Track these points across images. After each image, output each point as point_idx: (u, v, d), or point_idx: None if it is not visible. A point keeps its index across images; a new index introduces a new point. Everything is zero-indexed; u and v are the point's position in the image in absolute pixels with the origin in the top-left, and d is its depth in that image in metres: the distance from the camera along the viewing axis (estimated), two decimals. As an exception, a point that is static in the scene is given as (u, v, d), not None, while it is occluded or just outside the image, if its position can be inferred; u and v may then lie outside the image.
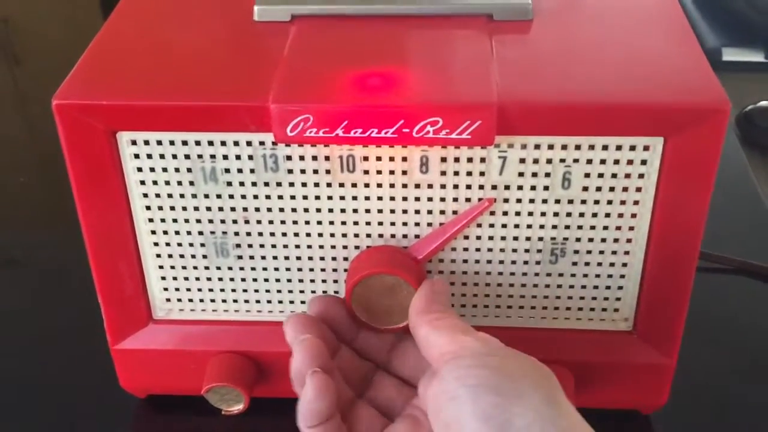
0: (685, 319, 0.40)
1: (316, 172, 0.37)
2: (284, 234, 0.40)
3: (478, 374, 0.30)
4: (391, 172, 0.37)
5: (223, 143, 0.37)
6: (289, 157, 0.37)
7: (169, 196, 0.39)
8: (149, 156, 0.37)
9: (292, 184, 0.38)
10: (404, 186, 0.38)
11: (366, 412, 0.36)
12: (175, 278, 0.41)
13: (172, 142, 0.37)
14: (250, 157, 0.37)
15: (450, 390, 0.30)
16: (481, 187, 0.37)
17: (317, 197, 0.38)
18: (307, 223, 0.39)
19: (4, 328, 0.52)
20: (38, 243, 0.60)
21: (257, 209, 0.39)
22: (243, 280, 0.41)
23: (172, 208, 0.39)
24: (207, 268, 0.41)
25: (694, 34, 0.40)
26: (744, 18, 0.83)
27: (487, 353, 0.31)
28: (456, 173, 0.37)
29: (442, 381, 0.31)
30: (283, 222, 0.39)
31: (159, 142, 0.37)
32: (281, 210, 0.39)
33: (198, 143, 0.37)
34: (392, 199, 0.38)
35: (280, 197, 0.38)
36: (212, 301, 0.42)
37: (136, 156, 0.37)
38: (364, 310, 0.38)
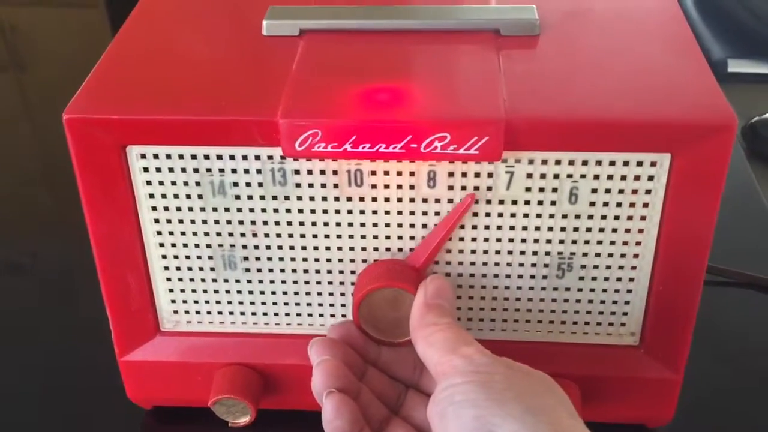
0: (692, 334, 0.40)
1: (323, 186, 0.38)
2: (292, 247, 0.40)
3: (462, 390, 0.31)
4: (399, 187, 0.37)
5: (232, 157, 0.37)
6: (297, 171, 0.37)
7: (178, 209, 0.39)
8: (158, 169, 0.38)
9: (299, 198, 0.38)
10: (411, 200, 0.38)
11: (402, 430, 0.36)
12: (182, 290, 0.42)
13: (181, 156, 0.37)
14: (259, 171, 0.37)
15: (440, 410, 0.31)
16: (489, 201, 0.38)
17: (325, 211, 0.38)
18: (315, 236, 0.39)
19: (11, 337, 0.53)
20: (46, 252, 0.60)
21: (265, 223, 0.39)
22: (250, 292, 0.42)
23: (181, 221, 0.39)
24: (215, 280, 0.41)
25: (699, 47, 0.40)
26: (749, 30, 0.84)
27: (473, 370, 0.31)
28: (463, 188, 0.37)
29: (434, 401, 0.32)
30: (290, 235, 0.39)
31: (168, 156, 0.37)
32: (289, 223, 0.39)
33: (207, 157, 0.37)
34: (399, 213, 0.38)
35: (288, 211, 0.39)
36: (219, 313, 0.42)
37: (146, 169, 0.38)
38: (375, 327, 0.38)
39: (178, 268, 0.41)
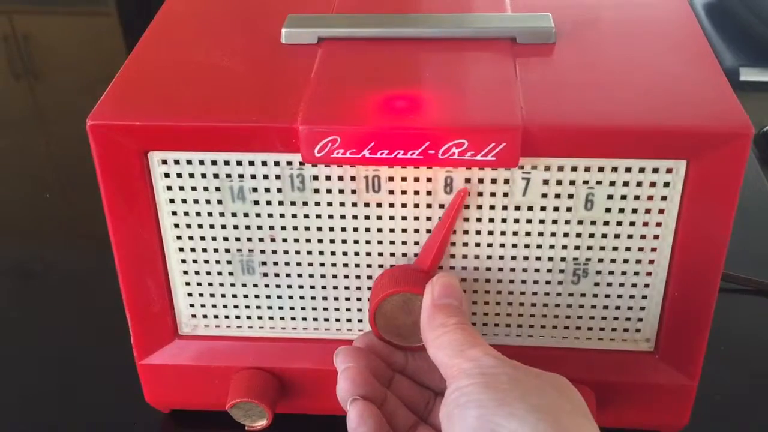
0: (707, 341, 0.40)
1: (341, 191, 0.38)
2: (309, 252, 0.40)
3: (468, 392, 0.31)
4: (416, 193, 0.38)
5: (252, 163, 0.38)
6: (315, 177, 0.38)
7: (198, 214, 0.39)
8: (179, 175, 0.38)
9: (318, 204, 0.39)
10: (428, 206, 0.38)
11: None
12: (201, 295, 0.42)
13: (201, 162, 0.38)
14: (278, 177, 0.38)
15: (447, 411, 0.31)
16: (505, 207, 0.38)
17: (342, 216, 0.39)
18: (332, 241, 0.40)
19: (27, 341, 0.53)
20: (58, 258, 0.60)
21: (283, 228, 0.39)
22: (268, 297, 0.42)
23: (200, 226, 0.40)
24: (233, 285, 0.42)
25: (714, 55, 0.40)
26: (761, 38, 0.84)
27: (479, 372, 0.32)
28: (480, 194, 0.38)
29: (443, 403, 0.32)
30: (308, 240, 0.40)
31: (189, 162, 0.38)
32: (307, 229, 0.39)
33: (227, 163, 0.38)
34: (416, 218, 0.39)
35: (306, 216, 0.39)
36: (237, 317, 0.43)
37: (167, 175, 0.38)
38: (398, 334, 0.39)
39: (197, 273, 0.41)
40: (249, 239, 0.40)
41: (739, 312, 0.54)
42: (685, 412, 0.43)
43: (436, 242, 0.38)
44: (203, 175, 0.38)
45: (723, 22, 0.87)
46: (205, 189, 0.39)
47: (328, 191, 0.38)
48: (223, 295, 0.42)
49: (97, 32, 0.97)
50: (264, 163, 0.38)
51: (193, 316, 0.43)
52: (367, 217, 0.39)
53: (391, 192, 0.38)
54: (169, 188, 0.39)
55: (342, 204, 0.38)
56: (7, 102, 0.82)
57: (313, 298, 0.42)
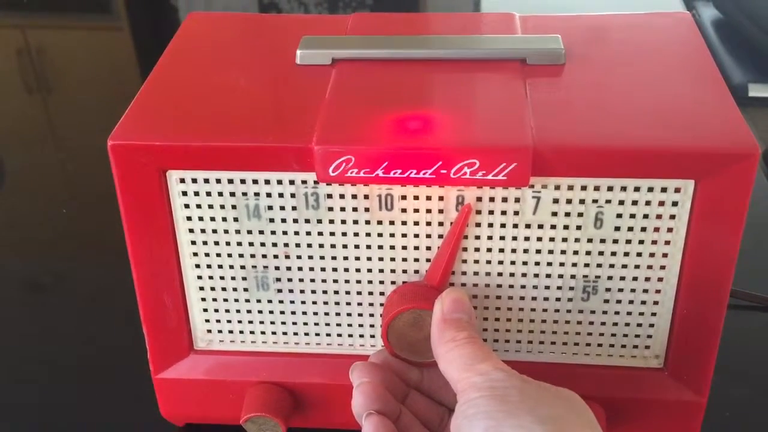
0: (716, 357, 0.40)
1: (355, 210, 0.39)
2: (323, 269, 0.41)
3: (476, 404, 0.31)
4: (428, 211, 0.39)
5: (267, 182, 0.38)
6: (329, 196, 0.39)
7: (214, 231, 0.40)
8: (196, 193, 0.39)
9: (331, 222, 0.39)
10: (440, 224, 0.39)
11: None
12: (216, 310, 0.43)
13: (218, 180, 0.39)
14: (293, 195, 0.39)
15: (457, 424, 0.32)
16: (515, 225, 0.39)
17: (356, 234, 0.40)
18: (346, 258, 0.40)
19: (39, 353, 0.54)
20: (69, 272, 0.61)
21: (298, 245, 0.40)
22: (282, 312, 0.43)
23: (216, 243, 0.41)
24: (248, 300, 0.42)
25: (721, 75, 0.41)
26: (769, 54, 0.84)
27: (488, 386, 0.32)
28: (491, 212, 0.38)
29: (453, 417, 0.33)
30: (322, 257, 0.40)
31: (206, 180, 0.39)
32: (321, 246, 0.40)
33: (243, 181, 0.39)
34: (429, 236, 0.39)
35: (320, 234, 0.40)
36: (252, 332, 0.44)
37: (184, 193, 0.39)
38: (412, 351, 0.39)
39: (212, 289, 0.42)
40: (264, 256, 0.41)
41: (749, 328, 0.54)
42: (694, 428, 0.43)
43: (443, 258, 0.39)
44: (220, 194, 0.39)
45: (731, 38, 0.88)
46: (222, 207, 0.39)
47: (342, 209, 0.39)
48: (238, 311, 0.43)
49: (110, 47, 0.99)
50: (279, 182, 0.38)
51: (209, 331, 0.44)
52: (380, 235, 0.39)
53: (404, 210, 0.39)
54: (187, 206, 0.39)
55: (355, 222, 0.39)
56: (20, 115, 0.83)
57: (326, 313, 0.42)
